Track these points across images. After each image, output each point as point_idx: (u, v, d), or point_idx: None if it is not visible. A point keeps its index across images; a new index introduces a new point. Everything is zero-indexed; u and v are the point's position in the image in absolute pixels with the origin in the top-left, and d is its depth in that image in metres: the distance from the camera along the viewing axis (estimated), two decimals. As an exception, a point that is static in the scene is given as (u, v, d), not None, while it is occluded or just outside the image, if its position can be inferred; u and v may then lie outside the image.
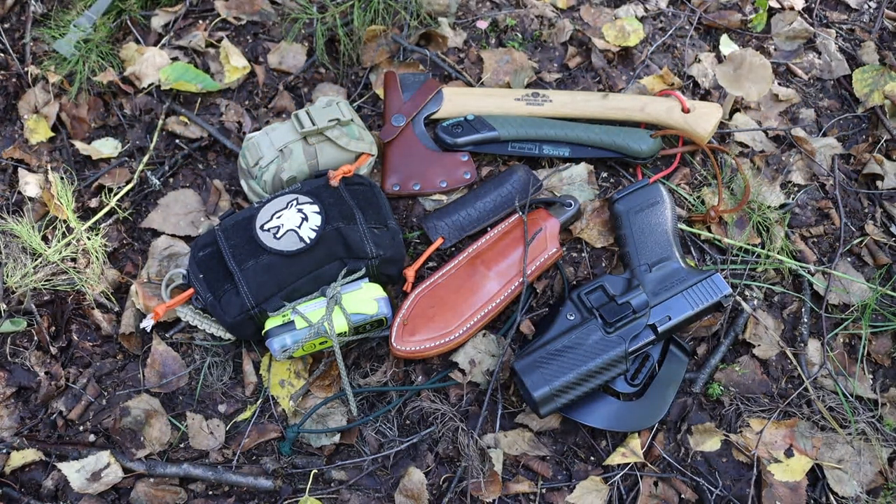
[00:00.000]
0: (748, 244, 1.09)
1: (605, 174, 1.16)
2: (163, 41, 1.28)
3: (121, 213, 1.12)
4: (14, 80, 1.24)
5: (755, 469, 0.96)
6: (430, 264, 1.08)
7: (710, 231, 1.10)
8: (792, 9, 1.35)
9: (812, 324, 1.06)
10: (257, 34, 1.31)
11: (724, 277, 1.06)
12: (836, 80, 1.29)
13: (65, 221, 1.09)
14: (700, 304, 0.96)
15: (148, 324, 0.97)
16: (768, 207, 1.11)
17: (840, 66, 1.29)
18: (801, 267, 1.08)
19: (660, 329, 0.95)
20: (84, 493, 0.93)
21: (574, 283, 1.06)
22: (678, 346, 1.00)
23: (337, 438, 0.97)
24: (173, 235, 1.10)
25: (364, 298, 0.96)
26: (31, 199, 1.13)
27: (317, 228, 0.97)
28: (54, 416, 0.99)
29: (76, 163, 1.19)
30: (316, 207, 0.98)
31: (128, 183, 1.15)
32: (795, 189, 1.16)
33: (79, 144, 1.18)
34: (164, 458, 0.97)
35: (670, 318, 0.95)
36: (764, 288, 1.08)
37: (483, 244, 1.05)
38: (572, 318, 0.97)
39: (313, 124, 1.04)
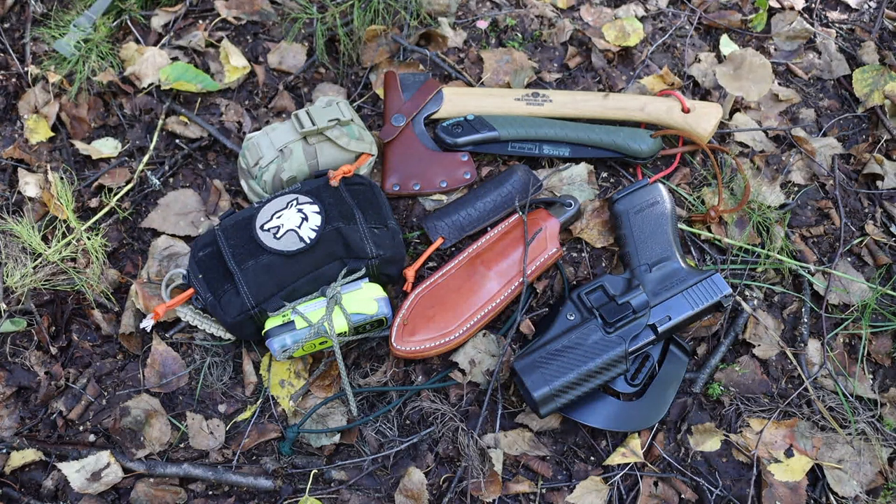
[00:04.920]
0: (748, 244, 1.09)
1: (605, 174, 1.16)
2: (163, 41, 1.28)
3: (121, 213, 1.12)
4: (14, 80, 1.24)
5: (755, 469, 0.96)
6: (430, 264, 1.08)
7: (710, 231, 1.10)
8: (792, 9, 1.35)
9: (812, 324, 1.06)
10: (257, 34, 1.31)
11: (724, 277, 1.06)
12: (836, 80, 1.29)
13: (65, 221, 1.09)
14: (700, 304, 0.96)
15: (148, 324, 0.97)
16: (768, 207, 1.11)
17: (840, 66, 1.29)
18: (801, 267, 1.08)
19: (660, 329, 0.95)
20: (84, 493, 0.93)
21: (574, 283, 1.06)
22: (678, 346, 1.00)
23: (337, 438, 0.97)
24: (173, 235, 1.10)
25: (364, 298, 0.96)
26: (31, 199, 1.13)
27: (317, 228, 0.97)
28: (54, 416, 0.99)
29: (76, 163, 1.19)
30: (316, 207, 0.98)
31: (128, 183, 1.15)
32: (795, 189, 1.16)
33: (79, 144, 1.18)
34: (164, 458, 0.97)
35: (670, 318, 0.95)
36: (764, 288, 1.08)
37: (483, 244, 1.05)
38: (572, 318, 0.97)
39: (313, 124, 1.04)
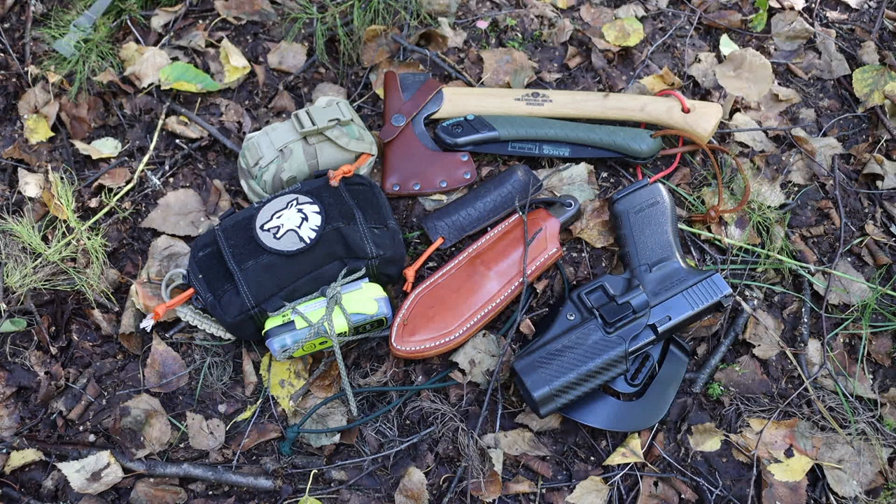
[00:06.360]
0: (748, 244, 1.09)
1: (605, 174, 1.16)
2: (163, 41, 1.28)
3: (121, 213, 1.12)
4: (14, 79, 1.24)
5: (755, 469, 0.96)
6: (430, 264, 1.08)
7: (710, 231, 1.10)
8: (792, 9, 1.35)
9: (812, 324, 1.06)
10: (257, 34, 1.31)
11: (724, 277, 1.06)
12: (836, 80, 1.29)
13: (65, 221, 1.09)
14: (700, 304, 0.96)
15: (148, 324, 0.97)
16: (768, 207, 1.11)
17: (840, 66, 1.29)
18: (801, 267, 1.08)
19: (660, 329, 0.95)
20: (84, 493, 0.93)
21: (574, 283, 1.06)
22: (678, 346, 1.00)
23: (337, 438, 0.97)
24: (173, 235, 1.10)
25: (364, 298, 0.96)
26: (31, 199, 1.13)
27: (317, 228, 0.97)
28: (54, 416, 0.99)
29: (76, 163, 1.19)
30: (316, 207, 0.98)
31: (128, 183, 1.15)
32: (795, 189, 1.16)
33: (79, 144, 1.18)
34: (164, 458, 0.97)
35: (670, 318, 0.95)
36: (764, 288, 1.08)
37: (483, 244, 1.05)
38: (572, 318, 0.97)
39: (313, 124, 1.04)
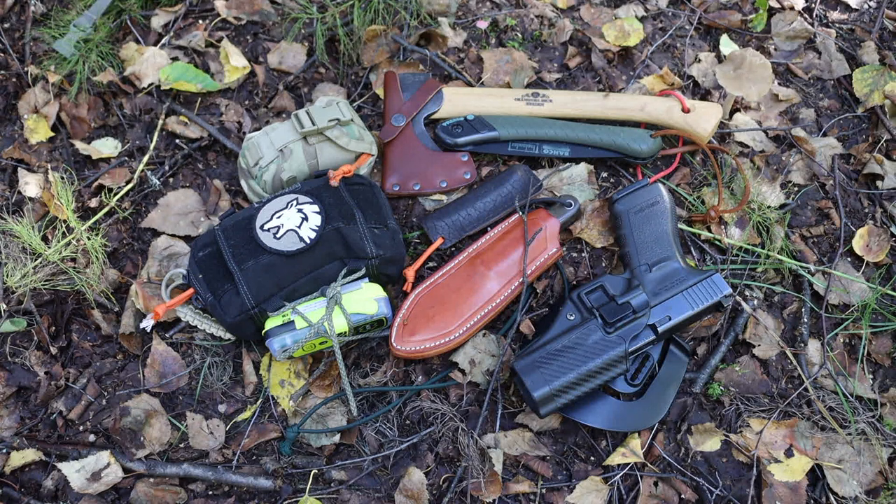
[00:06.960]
0: (748, 244, 1.09)
1: (605, 174, 1.16)
2: (163, 41, 1.28)
3: (121, 213, 1.12)
4: (14, 79, 1.24)
5: (755, 469, 0.96)
6: (430, 264, 1.08)
7: (710, 231, 1.10)
8: (792, 9, 1.35)
9: (812, 324, 1.06)
10: (257, 34, 1.31)
11: (724, 277, 1.06)
12: (836, 80, 1.29)
13: (65, 221, 1.09)
14: (700, 304, 0.96)
15: (148, 324, 0.97)
16: (768, 207, 1.11)
17: (840, 66, 1.29)
18: (801, 267, 1.08)
19: (660, 329, 0.95)
20: (84, 493, 0.93)
21: (574, 283, 1.06)
22: (678, 346, 1.00)
23: (337, 438, 0.97)
24: (173, 235, 1.10)
25: (364, 298, 0.96)
26: (31, 199, 1.13)
27: (317, 228, 0.97)
28: (54, 416, 0.99)
29: (76, 163, 1.19)
30: (316, 207, 0.98)
31: (128, 183, 1.15)
32: (795, 189, 1.16)
33: (79, 144, 1.18)
34: (164, 458, 0.97)
35: (670, 318, 0.95)
36: (764, 288, 1.08)
37: (483, 244, 1.05)
38: (572, 318, 0.97)
39: (313, 124, 1.04)
